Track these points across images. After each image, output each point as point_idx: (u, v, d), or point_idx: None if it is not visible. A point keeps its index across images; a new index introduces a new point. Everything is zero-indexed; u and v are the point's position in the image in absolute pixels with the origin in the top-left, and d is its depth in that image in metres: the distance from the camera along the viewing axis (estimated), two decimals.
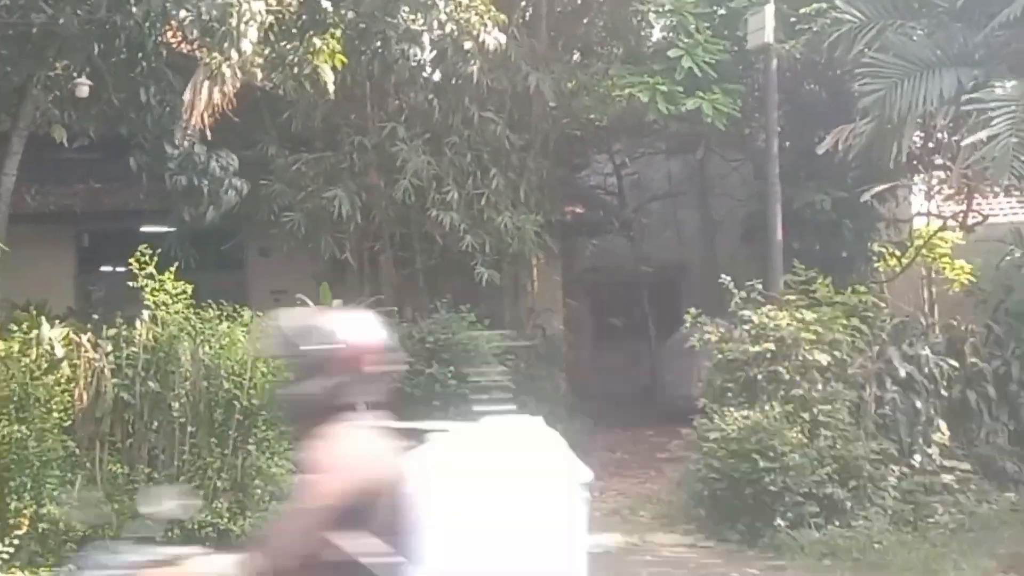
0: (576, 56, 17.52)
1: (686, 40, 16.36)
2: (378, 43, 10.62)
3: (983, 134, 10.86)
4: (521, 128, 16.64)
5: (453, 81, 14.05)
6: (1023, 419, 13.22)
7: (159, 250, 10.55)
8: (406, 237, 16.85)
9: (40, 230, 14.67)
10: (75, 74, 9.52)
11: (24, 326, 10.27)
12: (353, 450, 3.46)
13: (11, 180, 12.02)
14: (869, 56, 11.72)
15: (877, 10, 12.14)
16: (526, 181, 16.88)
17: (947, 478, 12.36)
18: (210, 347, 10.02)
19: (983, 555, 11.09)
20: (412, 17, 10.14)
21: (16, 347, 9.98)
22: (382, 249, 16.84)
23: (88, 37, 8.60)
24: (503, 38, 10.74)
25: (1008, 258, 14.18)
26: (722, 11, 16.45)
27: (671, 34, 16.65)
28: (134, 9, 8.32)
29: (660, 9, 16.82)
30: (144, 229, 13.42)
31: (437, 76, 12.54)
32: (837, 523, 11.63)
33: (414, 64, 10.69)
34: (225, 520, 9.76)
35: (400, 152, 15.59)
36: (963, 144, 11.79)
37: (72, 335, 10.13)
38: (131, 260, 10.47)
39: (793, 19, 14.65)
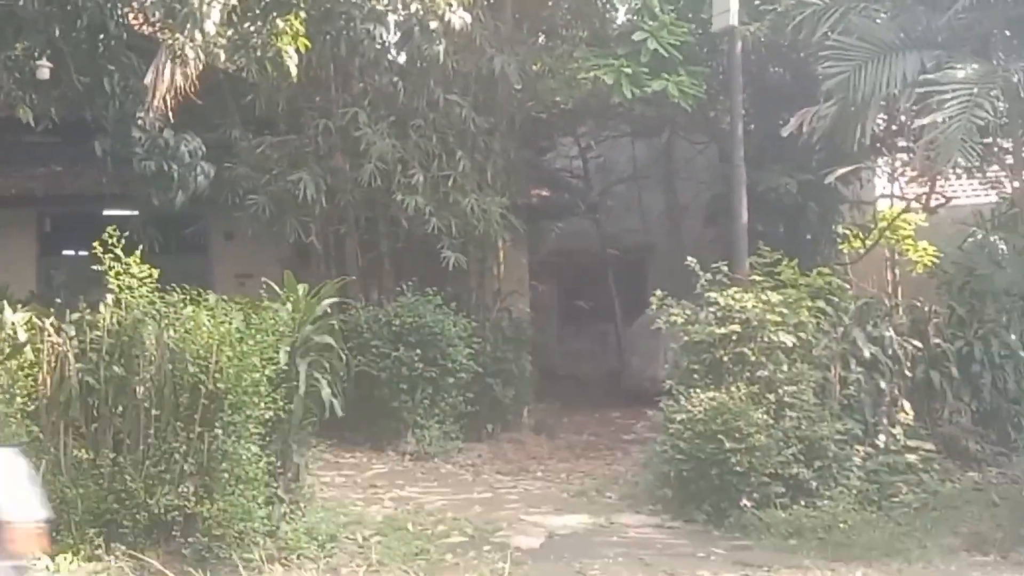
0: (541, 38, 17.52)
1: (651, 22, 16.37)
2: (342, 23, 10.57)
3: (937, 116, 10.90)
4: (486, 111, 16.61)
5: (418, 63, 14.01)
6: (986, 399, 13.30)
7: (125, 234, 10.49)
8: (372, 220, 16.80)
9: (1, 214, 14.57)
10: (36, 56, 9.43)
11: None
12: None
13: None
14: (833, 38, 11.75)
15: None
16: (492, 164, 16.86)
17: (911, 458, 12.46)
18: (175, 331, 9.95)
19: (946, 533, 11.18)
20: None
21: None
22: (348, 232, 16.79)
23: (48, 18, 8.52)
24: (468, 18, 10.70)
25: (970, 240, 14.25)
26: None
27: (636, 16, 16.66)
28: None
29: None
30: (107, 213, 13.34)
31: (402, 58, 12.52)
32: (803, 503, 11.73)
33: (379, 46, 10.68)
34: (192, 503, 9.71)
35: (365, 135, 15.55)
36: (918, 125, 11.83)
37: (35, 319, 10.04)
38: (95, 244, 10.40)
39: (757, 1, 14.66)
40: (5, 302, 10.35)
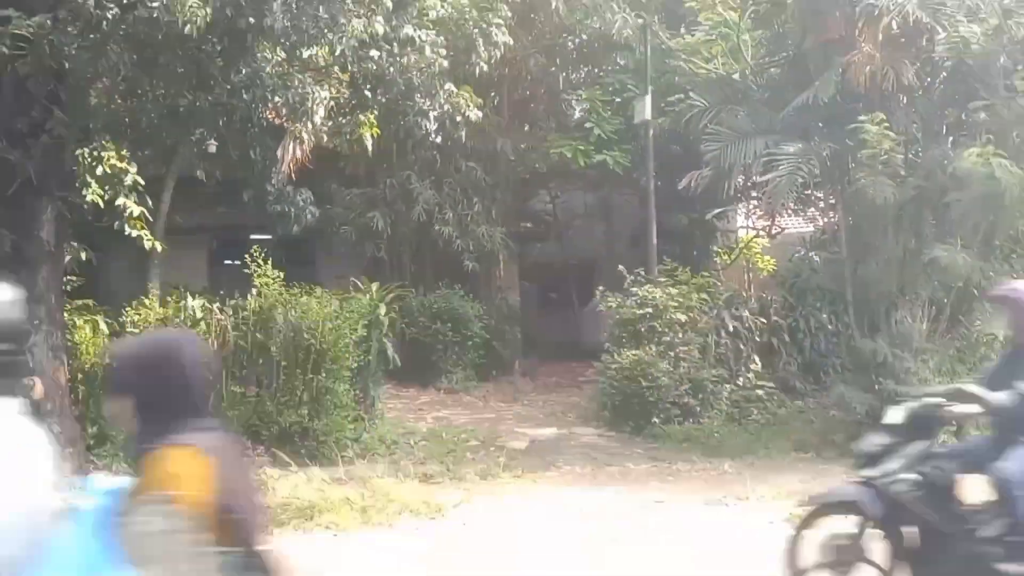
0: (527, 127, 17.54)
1: (597, 116, 16.44)
2: (400, 118, 10.63)
3: (774, 174, 10.96)
4: (492, 173, 16.66)
5: (448, 143, 14.06)
6: (806, 355, 13.40)
7: (263, 251, 10.56)
8: (419, 242, 16.85)
9: (186, 238, 14.57)
10: (207, 137, 9.46)
11: (175, 298, 10.26)
12: None
13: (166, 205, 11.97)
14: (710, 128, 11.77)
15: (715, 98, 12.18)
16: (495, 206, 16.90)
17: (759, 392, 12.57)
18: (295, 312, 10.02)
19: (782, 440, 11.29)
20: (423, 101, 10.10)
21: (171, 311, 9.96)
22: (404, 250, 16.83)
23: (216, 113, 8.51)
24: (480, 114, 10.77)
25: (796, 255, 14.34)
26: (618, 99, 16.49)
27: (587, 113, 16.69)
28: (245, 96, 8.23)
29: (579, 98, 16.86)
30: (252, 237, 13.36)
31: (439, 139, 12.60)
32: (691, 421, 11.86)
33: (423, 131, 10.72)
34: (306, 420, 9.79)
35: (415, 188, 15.61)
36: (762, 179, 11.89)
37: (206, 304, 10.11)
38: (245, 257, 10.46)
39: (663, 104, 14.71)
40: (188, 294, 10.42)
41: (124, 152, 9.59)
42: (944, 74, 11.41)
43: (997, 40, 10.70)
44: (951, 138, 11.36)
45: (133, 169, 9.62)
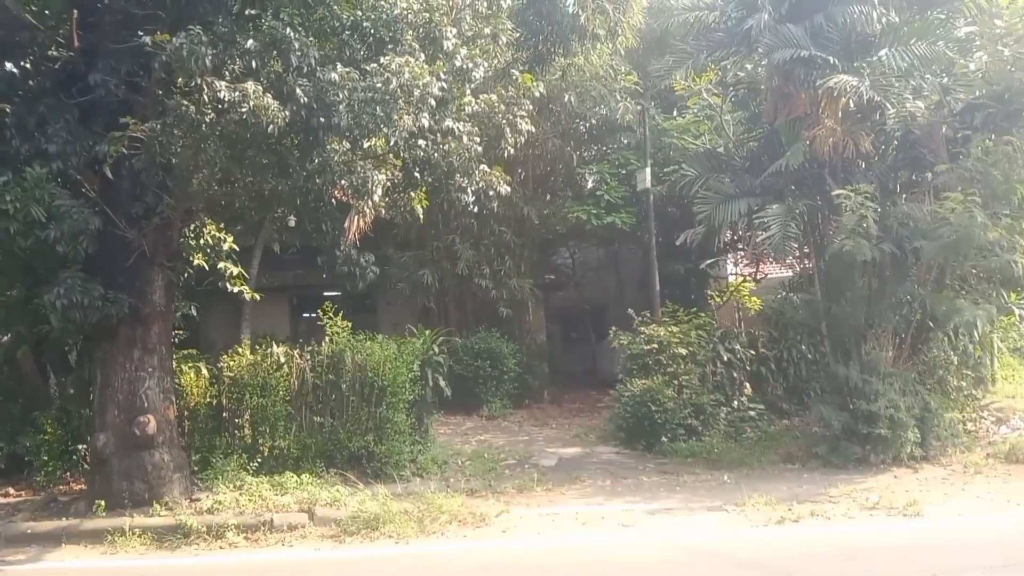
0: (547, 196, 17.62)
1: (606, 186, 16.52)
2: (444, 193, 10.74)
3: (766, 234, 10.89)
4: (519, 235, 16.73)
5: (484, 212, 14.18)
6: (791, 380, 13.22)
7: (335, 306, 10.65)
8: (462, 293, 16.91)
9: (271, 296, 14.75)
10: (288, 214, 9.62)
11: (263, 346, 10.34)
12: None
13: (255, 270, 12.17)
14: (700, 193, 11.78)
15: (704, 168, 12.19)
16: (524, 262, 16.95)
17: (752, 413, 12.38)
18: (360, 355, 10.06)
19: (772, 453, 11.10)
20: (462, 179, 10.19)
21: (260, 357, 10.04)
22: (449, 300, 16.91)
23: (293, 194, 8.65)
24: (508, 188, 10.84)
25: (779, 296, 14.21)
26: (623, 171, 16.56)
27: (597, 183, 16.78)
28: (317, 180, 8.36)
29: (591, 171, 16.97)
30: (325, 294, 13.49)
31: (476, 209, 12.72)
32: (694, 439, 11.67)
33: (463, 204, 10.84)
34: (371, 445, 9.78)
35: (458, 249, 15.72)
36: (757, 240, 11.83)
37: (288, 350, 10.19)
38: (319, 311, 10.55)
39: (661, 174, 14.78)
40: (273, 342, 10.50)
41: (221, 226, 9.78)
42: (895, 142, 11.39)
43: (939, 113, 10.70)
44: (904, 196, 11.28)
45: (229, 239, 9.80)
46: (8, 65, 8.84)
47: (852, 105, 10.37)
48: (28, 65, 8.91)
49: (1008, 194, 9.88)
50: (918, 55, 10.34)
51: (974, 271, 10.74)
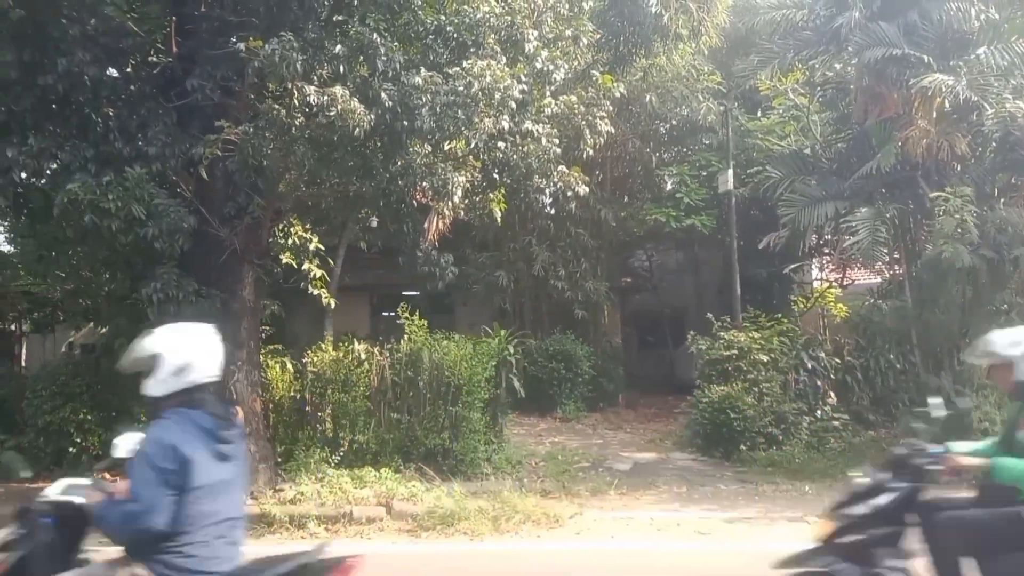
0: (626, 198, 17.54)
1: (685, 188, 16.36)
2: (522, 195, 10.83)
3: (855, 238, 10.63)
4: (596, 237, 16.71)
5: (561, 213, 14.17)
6: (878, 391, 12.70)
7: (413, 305, 10.86)
8: (537, 295, 16.98)
9: (353, 294, 15.16)
10: (371, 215, 9.86)
11: (345, 343, 10.62)
12: None
13: (338, 269, 12.51)
14: (785, 195, 11.58)
15: (789, 170, 11.99)
16: (600, 264, 16.92)
17: (836, 423, 12.00)
18: (438, 354, 10.22)
19: (856, 465, 10.66)
20: (540, 180, 10.26)
21: (342, 354, 10.32)
22: (525, 301, 17.01)
23: (376, 195, 8.88)
24: (587, 189, 10.86)
25: (867, 303, 13.80)
26: (704, 173, 16.39)
27: (677, 185, 16.62)
28: (400, 182, 8.56)
29: (671, 173, 16.81)
30: (404, 293, 13.75)
31: (553, 211, 12.74)
32: (774, 448, 11.44)
33: (541, 205, 10.90)
34: (448, 442, 9.93)
35: (534, 250, 15.80)
36: (844, 245, 11.54)
37: (369, 348, 10.43)
38: (399, 310, 10.78)
39: (743, 176, 14.54)
40: (355, 339, 10.78)
41: (307, 227, 10.09)
42: (994, 144, 10.95)
43: None
44: (1002, 200, 10.81)
45: (315, 239, 10.10)
46: (112, 70, 9.34)
47: (947, 105, 10.02)
48: (130, 70, 9.40)
49: None
50: (1019, 53, 9.96)
51: None
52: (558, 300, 16.38)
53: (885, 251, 11.29)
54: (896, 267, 12.06)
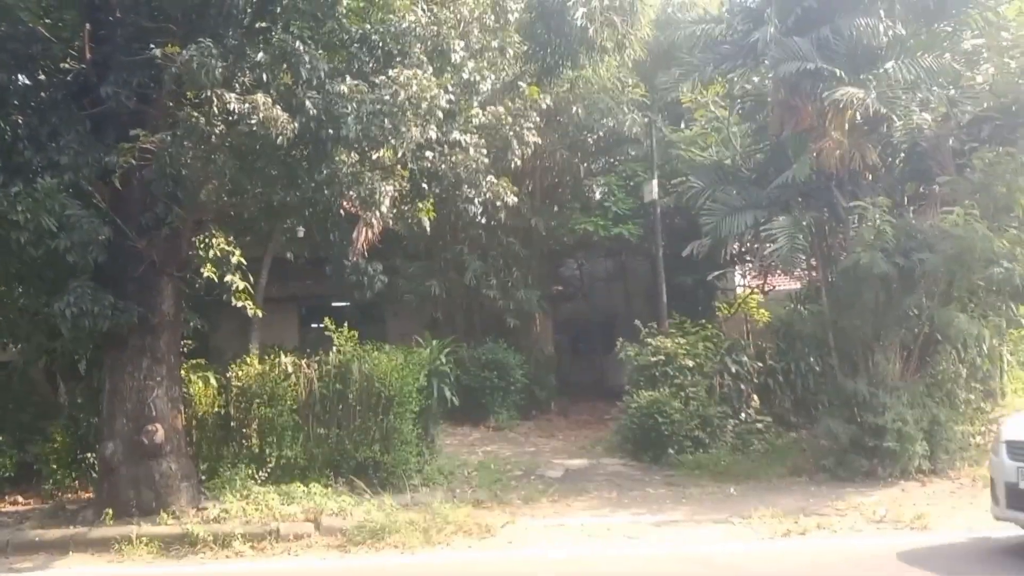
0: (555, 208, 17.60)
1: (613, 197, 16.54)
2: (451, 204, 10.79)
3: (775, 246, 10.88)
4: (528, 246, 16.73)
5: (492, 222, 14.16)
6: (798, 393, 13.06)
7: (343, 315, 10.68)
8: (469, 304, 16.88)
9: (279, 307, 14.81)
10: (296, 225, 9.69)
11: (271, 356, 10.37)
12: None
13: (264, 280, 12.22)
14: (708, 204, 11.77)
15: (711, 180, 12.18)
16: (531, 273, 16.93)
17: (759, 426, 12.30)
18: (368, 365, 10.07)
19: (779, 466, 11.05)
20: (469, 190, 10.24)
21: (268, 367, 10.07)
22: (457, 311, 16.89)
23: (302, 205, 8.72)
24: (515, 199, 10.88)
25: (787, 308, 14.17)
26: (631, 183, 16.58)
27: (605, 195, 16.77)
28: (326, 191, 8.41)
29: (598, 182, 16.96)
30: (333, 304, 13.52)
31: (483, 220, 12.71)
32: (701, 451, 11.60)
33: (471, 215, 10.86)
34: (378, 455, 9.79)
35: (466, 260, 15.74)
36: (765, 252, 11.81)
37: (296, 360, 10.20)
38: (326, 321, 10.58)
39: (668, 186, 14.76)
40: (281, 352, 10.53)
41: (230, 238, 9.82)
42: (902, 155, 11.38)
43: (946, 126, 10.69)
44: (912, 208, 11.25)
45: (238, 252, 9.84)
46: (21, 77, 8.94)
47: (859, 117, 10.37)
48: (41, 77, 9.02)
49: (1011, 206, 9.83)
50: (925, 67, 10.33)
51: (982, 284, 10.67)
52: (490, 309, 16.32)
53: (803, 258, 11.59)
54: (814, 273, 12.41)
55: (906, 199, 11.48)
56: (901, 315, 10.54)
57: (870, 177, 11.14)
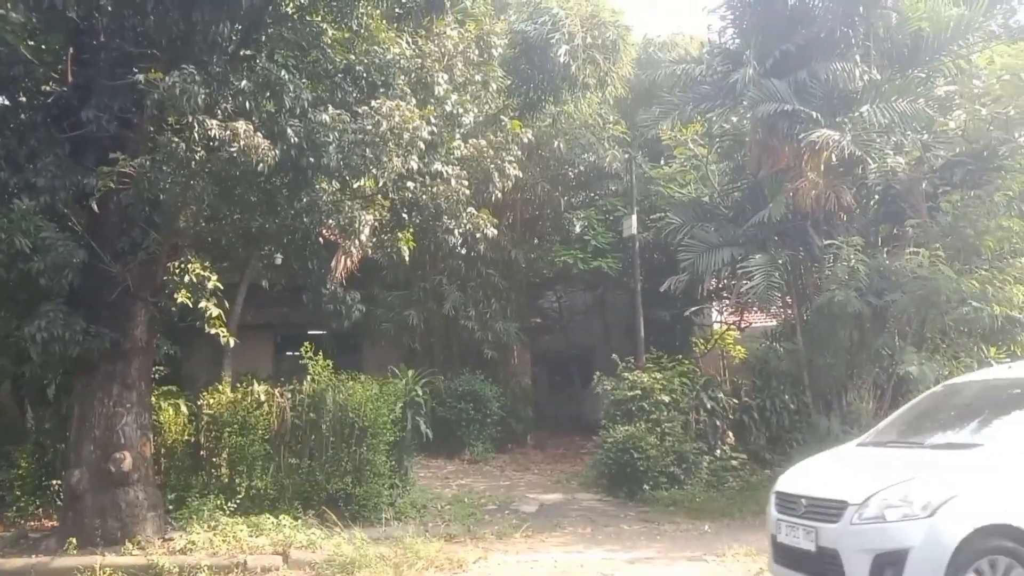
0: (535, 240, 17.69)
1: (593, 231, 16.65)
2: (431, 235, 10.81)
3: (751, 284, 11.00)
4: (507, 278, 16.77)
5: (471, 254, 14.20)
6: (773, 430, 13.04)
7: (319, 344, 10.58)
8: (447, 335, 16.85)
9: (255, 332, 14.67)
10: (274, 252, 9.64)
11: (244, 384, 10.24)
12: None
13: (239, 307, 12.11)
14: (686, 240, 11.89)
15: (689, 216, 12.35)
16: (510, 305, 16.93)
17: (734, 462, 12.26)
18: (342, 394, 9.97)
19: (754, 503, 10.93)
20: (449, 221, 10.26)
21: (240, 395, 9.93)
22: (435, 341, 16.84)
23: (281, 233, 8.68)
24: (495, 231, 10.92)
25: (763, 345, 14.26)
26: (611, 217, 16.71)
27: (585, 229, 16.89)
28: (305, 219, 8.40)
29: (579, 216, 17.08)
30: (310, 332, 13.40)
31: (463, 251, 12.75)
32: (676, 487, 11.54)
33: (450, 246, 10.90)
34: (351, 487, 9.66)
35: (445, 290, 15.72)
36: (741, 289, 11.93)
37: (269, 389, 10.08)
38: (302, 349, 10.48)
39: (647, 221, 14.91)
40: (255, 380, 10.40)
41: (206, 264, 9.75)
42: (877, 196, 11.58)
43: (919, 169, 10.91)
44: (886, 249, 11.42)
45: (214, 277, 9.77)
46: (2, 98, 8.89)
47: (834, 159, 10.55)
48: (22, 98, 8.97)
49: (979, 248, 9.99)
50: (899, 112, 10.56)
51: (952, 325, 10.82)
52: (468, 340, 16.28)
53: (779, 295, 11.71)
54: (789, 311, 12.53)
55: (880, 240, 11.65)
56: (873, 355, 10.66)
57: (845, 218, 11.32)
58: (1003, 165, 10.11)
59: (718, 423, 12.61)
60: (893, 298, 10.01)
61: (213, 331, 9.04)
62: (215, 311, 8.87)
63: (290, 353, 15.73)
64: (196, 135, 7.29)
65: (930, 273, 9.54)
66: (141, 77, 7.44)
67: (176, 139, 7.47)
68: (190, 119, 7.29)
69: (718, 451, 12.36)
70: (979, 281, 9.63)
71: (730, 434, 12.66)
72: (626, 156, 15.87)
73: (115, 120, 8.22)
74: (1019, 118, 10.17)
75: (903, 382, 11.06)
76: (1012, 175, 9.92)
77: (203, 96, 7.27)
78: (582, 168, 16.63)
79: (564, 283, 19.12)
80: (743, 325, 17.74)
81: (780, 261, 10.93)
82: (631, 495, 11.52)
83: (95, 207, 7.87)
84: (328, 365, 10.29)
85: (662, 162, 16.93)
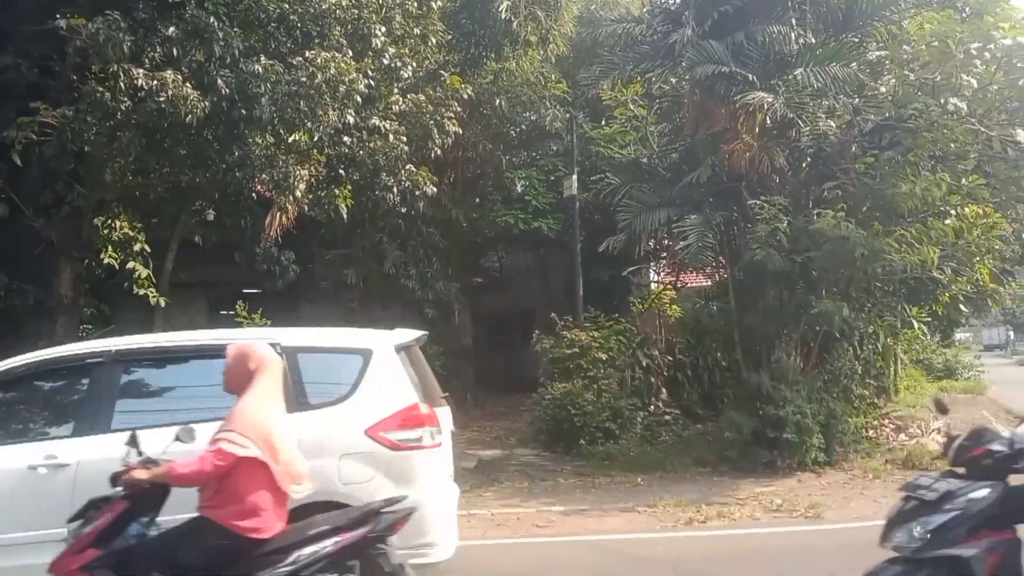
0: (476, 200, 17.62)
1: (534, 191, 16.69)
2: (369, 192, 10.71)
3: (685, 243, 11.20)
4: (448, 237, 16.67)
5: (411, 212, 14.08)
6: (705, 386, 13.50)
7: (255, 303, 10.45)
8: (387, 294, 16.75)
9: (188, 291, 14.35)
10: (206, 208, 9.44)
11: None
12: None
13: (170, 265, 11.82)
14: (624, 201, 12.00)
15: (628, 177, 12.45)
16: (452, 265, 16.90)
17: (667, 418, 12.65)
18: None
19: (685, 457, 11.40)
20: (388, 178, 10.18)
21: None
22: (374, 301, 16.72)
23: (213, 188, 8.52)
24: (435, 189, 10.88)
25: (697, 304, 14.59)
26: (552, 177, 16.76)
27: (526, 189, 16.92)
28: (237, 173, 8.26)
29: (520, 176, 17.09)
30: (245, 291, 13.20)
31: (403, 209, 12.64)
32: (611, 442, 11.83)
33: (389, 203, 10.81)
34: None
35: (385, 248, 15.59)
36: (677, 249, 12.12)
37: None
38: (236, 307, 10.34)
39: (587, 182, 14.99)
40: None
41: (135, 223, 9.51)
42: (808, 159, 11.86)
43: (850, 133, 11.20)
44: (816, 211, 11.75)
45: (142, 238, 9.54)
46: None
47: (768, 121, 10.75)
48: None
49: (899, 207, 10.34)
50: (832, 76, 10.76)
51: (879, 285, 11.25)
52: (409, 299, 16.22)
53: (712, 256, 11.97)
54: (722, 271, 12.83)
55: (811, 202, 11.97)
56: (801, 313, 11.01)
57: (778, 180, 11.59)
58: (915, 127, 10.42)
59: (653, 380, 12.95)
60: (811, 256, 10.34)
61: (142, 292, 8.86)
62: (144, 271, 8.69)
63: (225, 312, 15.48)
64: (122, 84, 7.09)
65: (844, 232, 9.85)
66: (62, 23, 7.17)
67: (100, 88, 7.24)
68: (115, 68, 7.08)
69: (652, 407, 12.73)
70: (896, 240, 9.97)
71: (664, 391, 13.03)
72: (567, 115, 15.88)
73: (35, 68, 7.93)
74: (945, 83, 10.49)
75: (828, 339, 11.51)
76: (921, 136, 10.22)
77: (129, 44, 7.06)
78: (524, 127, 16.58)
79: (506, 243, 19.15)
80: (679, 285, 18.06)
81: (714, 222, 11.16)
82: (568, 450, 11.79)
83: (17, 160, 7.60)
84: (264, 323, 10.18)
85: (603, 122, 16.98)
